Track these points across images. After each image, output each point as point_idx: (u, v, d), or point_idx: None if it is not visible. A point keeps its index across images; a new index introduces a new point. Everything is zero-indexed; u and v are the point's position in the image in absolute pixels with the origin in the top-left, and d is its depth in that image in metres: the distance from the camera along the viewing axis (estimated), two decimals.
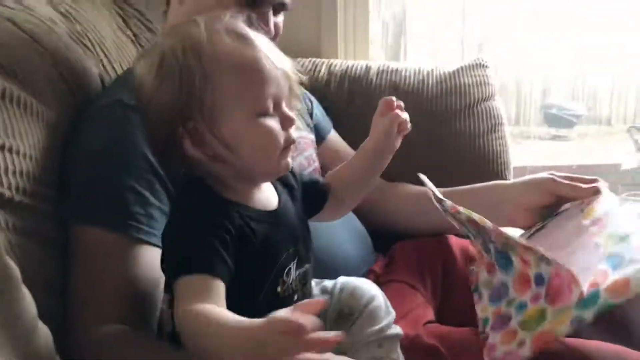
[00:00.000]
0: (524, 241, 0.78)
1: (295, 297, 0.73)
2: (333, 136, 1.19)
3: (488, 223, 0.81)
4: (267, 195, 0.74)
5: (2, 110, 0.74)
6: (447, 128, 1.26)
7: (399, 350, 0.80)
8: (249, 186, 0.71)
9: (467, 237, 0.91)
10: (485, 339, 0.77)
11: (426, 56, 2.98)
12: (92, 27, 1.00)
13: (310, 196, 0.80)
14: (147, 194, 0.79)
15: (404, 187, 1.11)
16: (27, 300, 0.58)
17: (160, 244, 0.78)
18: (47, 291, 0.72)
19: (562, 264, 0.71)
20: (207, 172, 0.68)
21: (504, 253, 0.81)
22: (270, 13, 0.87)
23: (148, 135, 0.71)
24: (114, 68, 1.00)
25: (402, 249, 1.07)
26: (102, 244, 0.77)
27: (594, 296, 0.68)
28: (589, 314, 0.68)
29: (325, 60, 1.36)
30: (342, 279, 0.82)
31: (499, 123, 1.28)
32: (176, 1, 0.89)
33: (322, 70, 1.32)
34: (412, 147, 1.24)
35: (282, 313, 0.53)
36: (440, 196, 0.90)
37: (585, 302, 0.68)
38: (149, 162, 0.79)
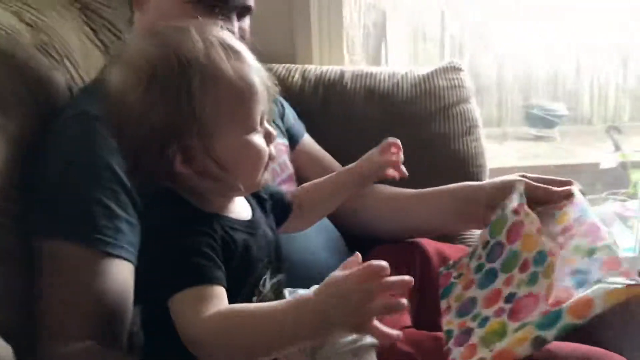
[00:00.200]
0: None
1: None
2: (307, 140, 1.18)
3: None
4: (241, 206, 0.74)
5: None
6: (422, 131, 1.26)
7: (374, 358, 0.80)
8: (224, 198, 0.71)
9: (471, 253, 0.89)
10: (447, 353, 0.76)
11: (407, 60, 2.99)
12: (59, 37, 0.99)
13: (275, 208, 0.81)
14: (114, 205, 0.78)
15: (379, 188, 1.11)
16: None
17: (128, 256, 0.77)
18: (10, 307, 0.71)
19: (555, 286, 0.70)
20: (188, 186, 0.67)
21: (493, 270, 0.81)
22: (235, 17, 0.86)
23: (131, 148, 0.67)
24: (82, 78, 0.99)
25: (378, 254, 1.05)
26: (68, 258, 0.76)
27: (556, 316, 0.66)
28: (550, 335, 0.66)
29: (299, 66, 1.35)
30: (316, 288, 0.82)
31: (474, 125, 1.28)
32: (138, 10, 0.88)
33: (296, 76, 1.32)
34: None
35: (340, 272, 0.57)
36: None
37: (547, 321, 0.67)
38: (114, 172, 0.78)
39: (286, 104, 1.19)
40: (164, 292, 0.63)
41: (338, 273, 0.58)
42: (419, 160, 1.24)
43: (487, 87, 3.06)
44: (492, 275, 0.81)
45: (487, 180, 1.00)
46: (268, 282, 0.73)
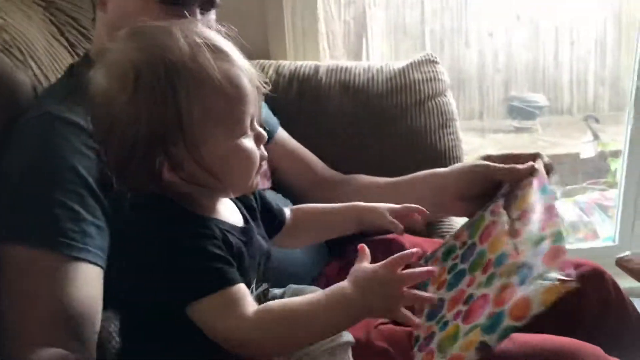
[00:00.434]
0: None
1: None
2: (281, 134, 1.17)
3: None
4: (230, 210, 0.72)
5: None
6: (398, 125, 1.25)
7: (350, 357, 0.79)
8: (214, 201, 0.69)
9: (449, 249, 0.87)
10: (413, 356, 0.75)
11: (388, 55, 2.98)
12: (23, 36, 0.96)
13: (265, 219, 0.79)
14: (79, 208, 0.76)
15: (357, 180, 1.09)
16: None
17: (96, 260, 0.75)
18: None
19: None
20: (175, 192, 0.65)
21: (462, 271, 0.79)
22: (197, 12, 0.84)
23: (117, 156, 0.64)
24: (47, 78, 0.97)
25: (356, 250, 1.06)
26: (32, 263, 0.74)
27: (498, 318, 0.65)
28: (493, 340, 0.64)
29: (273, 62, 1.34)
30: (292, 287, 0.81)
31: (450, 118, 1.27)
32: (100, 10, 0.86)
33: (270, 72, 1.30)
34: (363, 145, 1.24)
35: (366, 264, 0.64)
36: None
37: (491, 324, 0.65)
38: (79, 175, 0.76)
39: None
40: (179, 300, 0.62)
41: (365, 265, 0.65)
42: (395, 154, 1.24)
43: (468, 80, 3.07)
44: (460, 276, 0.79)
45: (452, 167, 0.97)
46: (254, 291, 0.72)
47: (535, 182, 0.82)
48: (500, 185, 0.88)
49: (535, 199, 0.79)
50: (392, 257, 0.63)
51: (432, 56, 1.33)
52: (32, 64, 0.95)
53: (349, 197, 1.07)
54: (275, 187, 1.09)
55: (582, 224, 2.24)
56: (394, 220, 0.82)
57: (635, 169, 1.76)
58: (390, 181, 1.03)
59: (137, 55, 0.62)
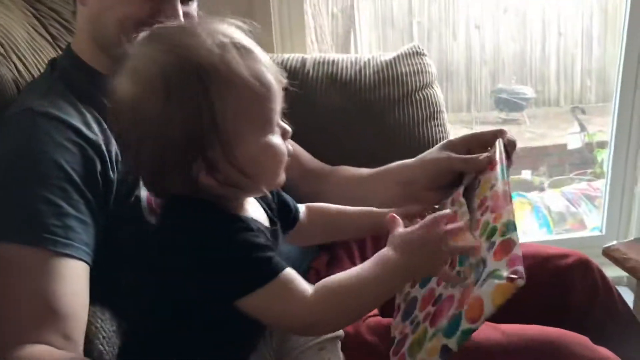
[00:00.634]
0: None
1: None
2: None
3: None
4: (258, 210, 0.72)
5: None
6: (386, 117, 1.25)
7: (339, 351, 0.79)
8: (243, 200, 0.69)
9: None
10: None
11: (376, 47, 2.98)
12: (4, 30, 0.94)
13: (281, 216, 0.78)
14: (63, 204, 0.74)
15: (344, 171, 1.09)
16: None
17: (81, 256, 0.74)
18: None
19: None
20: (209, 194, 0.64)
21: None
22: (178, 3, 0.83)
23: (151, 163, 0.64)
24: (30, 72, 0.95)
25: (344, 243, 1.06)
26: (16, 260, 0.72)
27: (457, 321, 0.62)
28: (453, 343, 0.62)
29: None
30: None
31: (438, 110, 1.27)
32: (80, 2, 0.85)
33: None
34: (351, 137, 1.24)
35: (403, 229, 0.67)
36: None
37: (450, 327, 0.63)
38: (63, 170, 0.75)
39: None
40: (234, 294, 0.62)
41: (401, 230, 0.67)
42: (382, 147, 1.24)
43: (455, 73, 3.08)
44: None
45: (419, 158, 0.95)
46: None
47: (498, 166, 0.78)
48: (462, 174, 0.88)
49: (491, 185, 0.75)
50: (428, 217, 0.65)
51: (419, 48, 1.32)
52: (14, 58, 0.93)
53: (334, 189, 1.08)
54: None
55: (569, 214, 2.26)
56: (408, 222, 0.82)
57: (621, 159, 1.77)
58: (370, 173, 1.02)
59: (164, 59, 0.61)
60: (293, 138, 1.14)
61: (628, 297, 0.99)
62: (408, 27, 3.06)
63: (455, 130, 1.44)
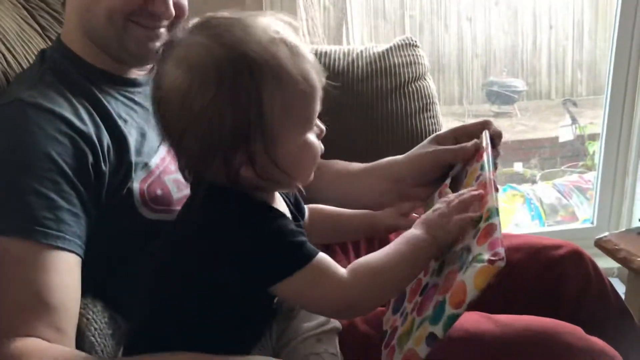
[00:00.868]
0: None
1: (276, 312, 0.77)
2: None
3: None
4: (284, 206, 0.74)
5: None
6: (379, 109, 1.25)
7: (337, 343, 0.79)
8: (273, 194, 0.72)
9: None
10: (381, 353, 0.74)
11: (368, 39, 2.97)
12: None
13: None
14: (54, 196, 0.74)
15: (332, 165, 1.08)
16: None
17: (73, 248, 0.74)
18: None
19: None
20: (246, 186, 0.65)
21: None
22: None
23: (194, 153, 0.65)
24: (19, 64, 0.94)
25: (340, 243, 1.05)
26: (7, 252, 0.72)
27: (442, 307, 0.63)
28: (439, 330, 0.62)
29: None
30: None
31: (430, 102, 1.27)
32: None
33: None
34: (344, 129, 1.23)
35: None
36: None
37: (435, 314, 0.64)
38: (54, 162, 0.74)
39: None
40: (269, 279, 0.63)
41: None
42: (375, 139, 1.24)
43: (447, 65, 3.08)
44: None
45: (407, 155, 0.94)
46: None
47: (484, 157, 0.78)
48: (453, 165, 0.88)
49: (480, 174, 0.75)
50: (449, 195, 0.70)
51: (412, 40, 1.32)
52: (3, 49, 0.92)
53: (323, 184, 1.07)
54: None
55: (561, 206, 2.27)
56: (404, 218, 0.84)
57: (612, 151, 1.78)
58: (359, 169, 1.01)
59: (218, 50, 0.61)
60: None
61: (618, 289, 1.00)
62: (400, 20, 3.05)
63: (447, 124, 1.44)
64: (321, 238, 0.89)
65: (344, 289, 0.64)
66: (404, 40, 1.32)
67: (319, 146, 0.68)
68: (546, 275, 0.94)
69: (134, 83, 0.89)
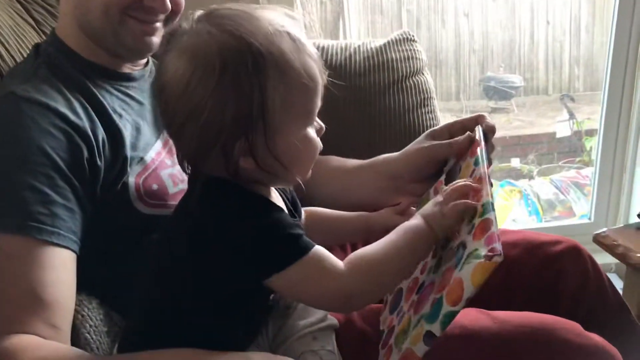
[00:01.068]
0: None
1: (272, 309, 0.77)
2: None
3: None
4: (281, 202, 0.74)
5: None
6: (377, 104, 1.24)
7: (334, 341, 0.79)
8: (270, 189, 0.72)
9: None
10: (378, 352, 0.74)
11: (365, 34, 2.96)
12: None
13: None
14: (49, 191, 0.73)
15: (333, 161, 1.08)
16: None
17: (68, 244, 0.73)
18: None
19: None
20: (244, 178, 0.65)
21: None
22: None
23: (194, 142, 0.64)
24: (13, 58, 0.93)
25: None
26: (1, 248, 0.71)
27: (439, 305, 0.62)
28: (436, 328, 0.62)
29: None
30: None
31: (428, 97, 1.26)
32: None
33: None
34: (341, 124, 1.23)
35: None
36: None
37: (432, 312, 0.63)
38: (48, 156, 0.74)
39: None
40: (265, 271, 0.63)
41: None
42: (374, 133, 1.23)
43: (444, 61, 3.07)
44: None
45: (403, 152, 0.94)
46: None
47: (478, 151, 0.77)
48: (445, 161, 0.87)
49: (474, 169, 0.75)
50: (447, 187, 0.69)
51: (409, 34, 1.31)
52: None
53: (319, 180, 1.06)
54: None
55: (559, 202, 2.27)
56: (399, 217, 0.83)
57: (610, 147, 1.78)
58: (356, 166, 1.01)
59: (224, 39, 0.62)
60: None
61: (616, 284, 1.00)
62: (397, 14, 3.04)
63: (444, 119, 1.43)
64: (317, 241, 0.89)
65: (341, 281, 0.64)
66: (401, 34, 1.31)
67: (319, 143, 0.68)
68: (544, 271, 0.94)
69: (129, 77, 0.89)
